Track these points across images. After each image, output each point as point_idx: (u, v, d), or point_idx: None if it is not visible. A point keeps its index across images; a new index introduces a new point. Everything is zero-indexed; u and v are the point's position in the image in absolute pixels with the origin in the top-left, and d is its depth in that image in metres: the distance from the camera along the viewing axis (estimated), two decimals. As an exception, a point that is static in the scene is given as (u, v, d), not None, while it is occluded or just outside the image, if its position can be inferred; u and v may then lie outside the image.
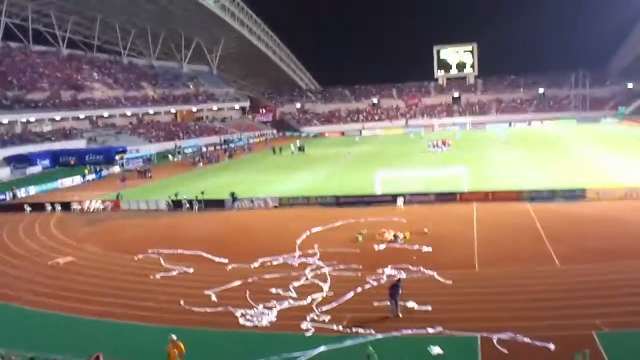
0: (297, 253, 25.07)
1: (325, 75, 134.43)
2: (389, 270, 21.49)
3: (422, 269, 21.65)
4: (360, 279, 21.03)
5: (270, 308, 18.52)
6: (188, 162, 68.91)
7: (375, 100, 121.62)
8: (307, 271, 22.32)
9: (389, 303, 17.59)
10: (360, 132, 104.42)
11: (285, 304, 18.85)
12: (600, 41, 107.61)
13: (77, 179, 55.98)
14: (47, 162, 68.14)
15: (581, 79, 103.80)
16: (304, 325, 17.02)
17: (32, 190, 49.93)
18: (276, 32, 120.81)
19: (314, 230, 29.20)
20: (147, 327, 17.81)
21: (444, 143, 66.94)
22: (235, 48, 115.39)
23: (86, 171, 58.90)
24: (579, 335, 15.01)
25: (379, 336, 15.91)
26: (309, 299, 19.11)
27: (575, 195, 33.92)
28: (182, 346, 14.09)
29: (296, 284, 20.84)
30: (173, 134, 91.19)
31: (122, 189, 46.96)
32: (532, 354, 14.36)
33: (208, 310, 18.83)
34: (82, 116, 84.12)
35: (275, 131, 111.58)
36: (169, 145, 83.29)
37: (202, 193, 39.75)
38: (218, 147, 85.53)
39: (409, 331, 16.13)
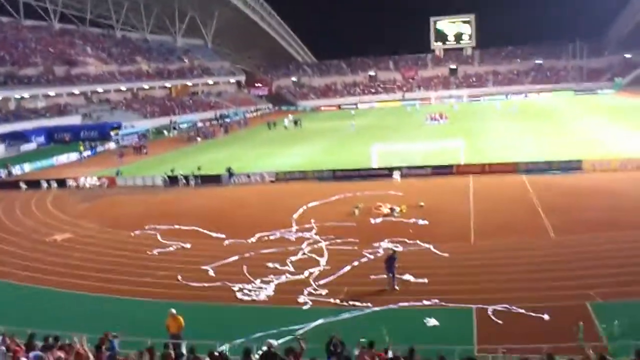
0: (294, 227, 25.15)
1: (321, 48, 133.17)
2: (385, 244, 21.57)
3: (418, 242, 21.75)
4: (357, 252, 21.11)
5: (267, 282, 18.63)
6: (183, 138, 68.55)
7: (372, 73, 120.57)
8: (304, 245, 22.41)
9: (385, 276, 17.72)
10: (356, 105, 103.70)
11: (283, 278, 18.96)
12: (599, 10, 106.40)
13: (72, 156, 55.76)
14: (42, 138, 67.76)
15: (579, 49, 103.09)
16: (301, 299, 17.15)
17: (27, 167, 49.77)
18: (271, 4, 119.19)
19: (311, 204, 29.25)
20: (147, 301, 17.93)
21: (441, 116, 66.80)
22: (230, 21, 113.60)
23: (82, 148, 58.60)
24: (574, 306, 15.16)
25: (376, 309, 16.06)
26: (306, 273, 19.21)
27: (571, 166, 33.97)
28: (181, 320, 14.19)
29: (293, 258, 20.92)
30: (168, 109, 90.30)
31: (120, 165, 46.81)
32: (526, 325, 14.51)
33: (206, 285, 18.94)
34: (76, 92, 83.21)
35: (271, 105, 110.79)
36: (164, 120, 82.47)
37: (199, 168, 39.71)
38: (214, 122, 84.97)
39: (405, 304, 16.27)
